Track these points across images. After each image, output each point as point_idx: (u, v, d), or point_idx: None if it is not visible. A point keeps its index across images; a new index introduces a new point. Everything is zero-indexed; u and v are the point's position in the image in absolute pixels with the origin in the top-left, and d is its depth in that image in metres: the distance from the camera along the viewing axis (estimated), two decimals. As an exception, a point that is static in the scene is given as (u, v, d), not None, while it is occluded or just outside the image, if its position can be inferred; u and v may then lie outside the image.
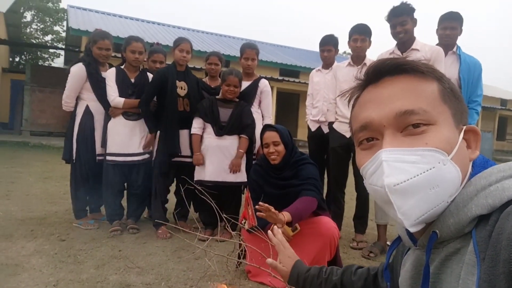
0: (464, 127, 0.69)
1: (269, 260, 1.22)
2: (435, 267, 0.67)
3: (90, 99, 3.39)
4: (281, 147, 2.48)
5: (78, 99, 3.43)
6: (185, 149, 3.40)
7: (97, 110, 3.41)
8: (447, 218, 0.64)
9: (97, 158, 3.40)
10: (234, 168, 3.22)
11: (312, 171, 2.46)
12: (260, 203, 2.02)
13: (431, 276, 0.67)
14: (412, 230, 0.65)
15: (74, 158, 3.37)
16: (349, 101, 0.78)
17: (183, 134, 3.40)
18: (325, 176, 3.88)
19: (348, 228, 3.74)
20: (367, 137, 0.71)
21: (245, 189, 3.30)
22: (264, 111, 3.60)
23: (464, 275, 0.59)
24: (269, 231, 1.32)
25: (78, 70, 3.35)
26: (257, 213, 2.03)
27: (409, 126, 0.65)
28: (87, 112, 3.38)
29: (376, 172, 0.66)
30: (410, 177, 0.62)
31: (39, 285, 2.18)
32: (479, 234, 0.60)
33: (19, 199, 4.27)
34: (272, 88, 8.36)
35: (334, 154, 3.44)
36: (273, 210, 2.00)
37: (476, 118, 3.30)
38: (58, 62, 23.27)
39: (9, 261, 2.49)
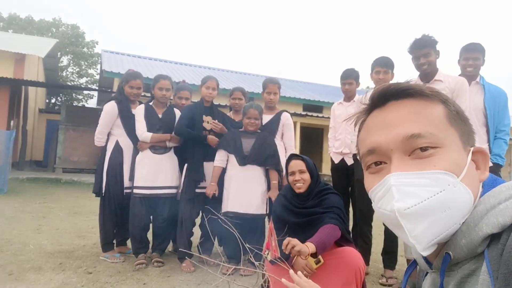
0: (472, 148, 0.68)
1: (285, 280, 1.18)
2: None
3: (120, 135, 3.55)
4: (306, 175, 2.49)
5: (109, 135, 3.59)
6: (209, 181, 3.45)
7: (127, 145, 3.55)
8: (459, 239, 0.63)
9: (125, 191, 3.50)
10: (273, 199, 3.24)
11: (335, 200, 2.44)
12: (286, 238, 2.00)
13: None
14: (424, 253, 0.64)
15: (103, 191, 3.48)
16: (355, 125, 0.79)
17: (209, 166, 3.47)
18: (350, 209, 3.82)
19: (376, 263, 3.61)
20: (375, 161, 0.71)
21: (269, 219, 3.29)
22: (287, 143, 3.64)
23: None
24: (291, 271, 1.30)
25: (110, 108, 3.54)
26: (285, 249, 2.01)
27: (417, 149, 0.65)
28: (117, 147, 3.52)
29: (385, 197, 0.66)
30: (421, 201, 0.61)
31: (65, 317, 2.20)
32: (491, 253, 0.59)
33: (49, 233, 4.40)
34: (295, 123, 8.44)
35: (360, 186, 3.40)
36: (297, 245, 1.96)
37: (505, 148, 3.21)
38: (92, 103, 24.48)
39: (38, 293, 2.54)
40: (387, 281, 3.17)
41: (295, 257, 2.09)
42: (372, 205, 0.72)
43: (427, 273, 0.77)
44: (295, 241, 2.00)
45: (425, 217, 0.62)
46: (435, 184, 0.62)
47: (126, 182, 3.51)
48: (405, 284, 0.82)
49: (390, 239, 3.29)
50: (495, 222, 0.59)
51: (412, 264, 0.80)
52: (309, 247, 2.05)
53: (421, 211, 0.62)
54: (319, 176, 2.60)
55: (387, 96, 0.72)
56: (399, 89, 0.71)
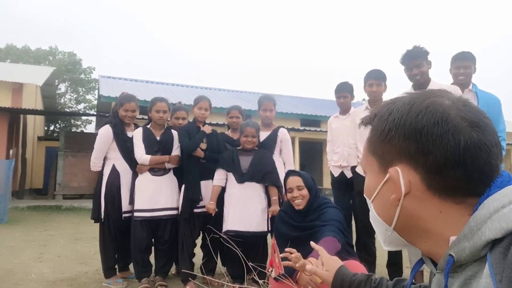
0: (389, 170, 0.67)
1: (309, 266, 1.18)
2: None
3: (116, 158, 3.54)
4: (305, 191, 2.50)
5: (105, 159, 3.58)
6: (208, 200, 3.44)
7: (123, 168, 3.54)
8: (463, 242, 0.63)
9: (123, 215, 3.48)
10: (275, 214, 3.23)
11: (334, 213, 2.44)
12: (288, 249, 1.99)
13: None
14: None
15: (102, 217, 3.45)
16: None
17: (207, 185, 3.47)
18: (353, 222, 3.80)
19: (382, 276, 3.56)
20: None
21: (272, 236, 3.27)
22: (285, 159, 3.66)
23: None
24: (308, 266, 1.29)
25: (105, 132, 3.54)
26: (285, 261, 1.99)
27: None
28: (114, 171, 3.51)
29: None
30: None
31: None
32: (494, 256, 0.59)
33: (51, 261, 4.35)
34: (294, 138, 8.47)
35: (361, 198, 3.39)
36: (302, 260, 1.96)
37: (503, 153, 3.22)
38: (90, 128, 24.56)
39: (40, 323, 2.50)
40: (394, 294, 3.12)
41: (299, 273, 2.08)
42: None
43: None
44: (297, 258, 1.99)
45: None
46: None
47: (125, 206, 3.48)
48: (410, 282, 0.82)
49: (395, 251, 3.27)
50: (498, 227, 0.59)
51: (418, 263, 0.80)
52: (313, 262, 2.03)
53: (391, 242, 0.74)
54: (318, 191, 2.61)
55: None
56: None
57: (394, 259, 3.28)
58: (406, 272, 3.47)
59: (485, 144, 0.62)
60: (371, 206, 0.73)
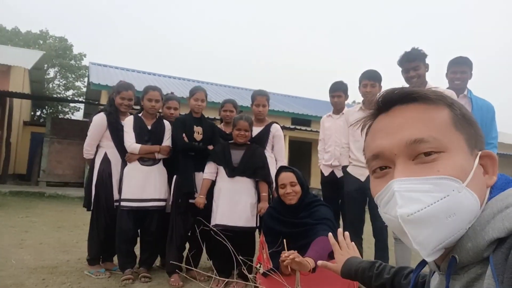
0: (480, 153, 0.68)
1: (320, 261, 1.27)
2: None
3: (108, 147, 3.48)
4: (298, 188, 2.49)
5: (98, 147, 3.52)
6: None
7: (115, 157, 3.47)
8: (465, 243, 0.62)
9: (115, 204, 3.42)
10: (263, 211, 3.20)
11: (326, 212, 2.44)
12: (285, 252, 1.97)
13: None
14: (429, 259, 0.64)
15: (92, 205, 3.39)
16: (362, 130, 0.79)
17: (199, 176, 3.42)
18: (341, 222, 3.80)
19: (367, 277, 3.57)
20: (379, 165, 0.71)
21: (260, 233, 3.25)
22: (277, 155, 3.63)
23: None
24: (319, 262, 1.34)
25: (99, 120, 3.48)
26: (285, 262, 1.97)
27: (421, 154, 0.65)
28: (105, 159, 3.45)
29: (389, 202, 0.66)
30: (424, 207, 0.61)
31: (48, 335, 2.10)
32: (496, 257, 0.58)
33: (32, 248, 4.25)
34: (284, 136, 8.48)
35: (349, 198, 3.39)
36: (298, 258, 1.94)
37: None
38: (78, 116, 24.18)
39: (19, 310, 2.42)
40: (378, 295, 3.13)
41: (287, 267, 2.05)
42: (378, 210, 0.72)
43: (434, 272, 0.77)
44: (295, 254, 1.97)
45: (429, 223, 0.61)
46: (439, 190, 0.61)
47: (116, 195, 3.42)
48: (413, 283, 0.80)
49: (382, 252, 3.28)
50: (502, 226, 0.59)
51: (421, 264, 0.80)
52: (310, 262, 2.02)
53: (424, 217, 0.61)
54: (308, 188, 2.60)
55: (392, 100, 0.72)
56: (403, 93, 0.70)
57: (381, 259, 3.27)
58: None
59: None
60: (465, 190, 0.62)
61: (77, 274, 3.32)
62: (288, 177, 2.52)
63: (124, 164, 3.46)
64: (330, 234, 1.35)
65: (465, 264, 0.63)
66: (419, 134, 0.65)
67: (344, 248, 1.29)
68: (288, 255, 1.93)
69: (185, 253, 3.58)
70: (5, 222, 5.83)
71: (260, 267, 2.38)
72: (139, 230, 3.48)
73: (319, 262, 1.24)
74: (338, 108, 3.92)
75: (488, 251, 0.60)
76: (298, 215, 2.48)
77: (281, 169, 2.64)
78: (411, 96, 0.70)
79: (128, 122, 3.45)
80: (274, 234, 2.45)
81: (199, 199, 3.27)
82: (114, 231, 3.39)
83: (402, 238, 0.66)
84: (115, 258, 3.52)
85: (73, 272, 3.38)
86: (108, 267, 3.51)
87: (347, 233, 1.38)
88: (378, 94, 0.74)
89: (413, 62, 3.02)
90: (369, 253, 3.62)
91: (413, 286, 0.82)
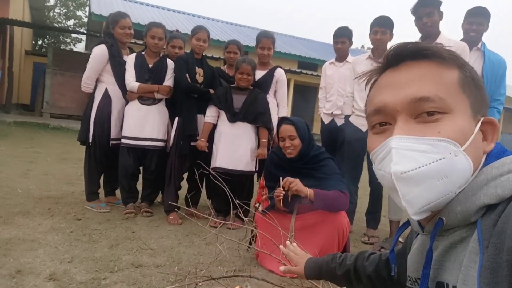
0: (482, 119, 0.67)
1: (282, 267, 1.26)
2: (439, 254, 0.67)
3: (109, 83, 3.42)
4: (297, 141, 2.47)
5: (97, 81, 3.44)
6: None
7: (116, 94, 3.43)
8: (455, 206, 0.63)
9: (111, 142, 3.44)
10: (261, 157, 3.26)
11: (335, 166, 2.48)
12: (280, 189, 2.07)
13: (434, 263, 0.67)
14: (415, 218, 0.65)
15: (90, 140, 3.41)
16: (366, 84, 0.76)
17: (200, 119, 3.43)
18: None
19: (360, 223, 3.72)
20: (380, 121, 0.70)
21: (259, 177, 3.32)
22: (279, 100, 3.59)
23: (466, 263, 0.59)
24: (281, 247, 1.35)
25: (100, 51, 3.36)
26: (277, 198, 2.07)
27: (423, 113, 0.63)
28: (106, 96, 3.41)
29: (385, 159, 0.66)
30: (418, 166, 0.61)
31: (54, 261, 2.24)
32: (484, 223, 0.59)
33: (37, 179, 4.39)
34: (289, 80, 8.31)
35: (349, 148, 3.41)
36: (297, 184, 2.04)
37: (498, 117, 3.22)
38: (80, 48, 23.62)
39: (26, 237, 2.56)
40: (369, 240, 3.28)
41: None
42: (373, 166, 0.72)
43: (418, 234, 0.79)
44: (296, 180, 2.07)
45: (420, 183, 0.62)
46: (436, 151, 0.61)
47: (113, 133, 3.43)
48: (395, 243, 0.84)
49: (375, 200, 3.38)
50: (494, 193, 0.59)
51: (405, 224, 0.81)
52: (308, 191, 2.13)
53: (417, 177, 0.61)
54: (312, 140, 2.58)
55: (402, 55, 0.69)
56: (415, 49, 0.67)
57: (374, 208, 3.39)
58: (383, 220, 3.61)
59: None
60: (462, 154, 0.62)
61: (82, 206, 3.45)
62: (287, 130, 2.48)
63: (127, 101, 3.44)
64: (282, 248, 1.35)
65: (451, 227, 0.65)
66: (425, 92, 0.63)
67: (298, 252, 1.29)
68: (284, 184, 2.04)
69: (184, 193, 3.70)
70: (10, 152, 5.96)
71: (259, 206, 2.47)
72: (141, 168, 3.56)
73: (281, 268, 1.25)
74: (341, 55, 3.81)
75: (476, 216, 0.61)
76: (301, 163, 2.51)
77: (281, 121, 2.61)
78: (423, 53, 0.67)
79: (129, 60, 3.37)
80: (275, 179, 2.49)
81: (201, 142, 3.30)
82: (111, 168, 3.47)
83: (392, 194, 0.67)
84: (118, 192, 3.65)
85: (77, 204, 3.52)
86: (111, 201, 3.65)
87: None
88: (389, 48, 0.71)
89: (427, 7, 2.87)
90: (364, 199, 3.73)
91: (393, 247, 0.85)
